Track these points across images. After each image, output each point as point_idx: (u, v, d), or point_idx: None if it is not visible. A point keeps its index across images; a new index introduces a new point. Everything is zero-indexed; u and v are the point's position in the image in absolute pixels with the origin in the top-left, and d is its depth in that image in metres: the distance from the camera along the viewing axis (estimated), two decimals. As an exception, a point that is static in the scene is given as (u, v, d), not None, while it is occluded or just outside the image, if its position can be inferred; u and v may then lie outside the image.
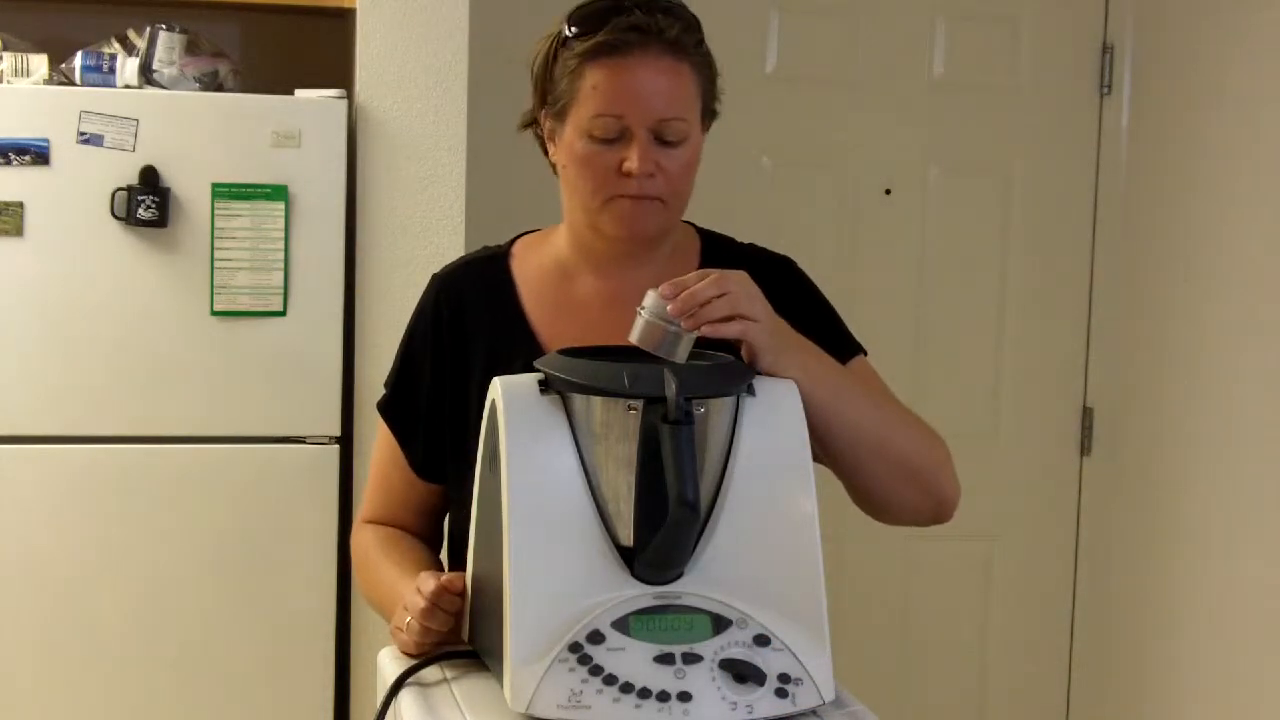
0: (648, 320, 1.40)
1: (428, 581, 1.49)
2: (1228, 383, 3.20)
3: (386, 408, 1.77)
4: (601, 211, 1.63)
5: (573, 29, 1.61)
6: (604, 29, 1.58)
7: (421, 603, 1.48)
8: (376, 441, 1.80)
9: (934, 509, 1.63)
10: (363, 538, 1.78)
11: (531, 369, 1.50)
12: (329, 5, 3.07)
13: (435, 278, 1.79)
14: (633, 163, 1.58)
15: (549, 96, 1.67)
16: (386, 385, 1.79)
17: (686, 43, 1.60)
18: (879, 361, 1.70)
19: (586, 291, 1.71)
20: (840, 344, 1.72)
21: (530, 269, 1.74)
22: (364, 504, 1.82)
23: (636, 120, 1.58)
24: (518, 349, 1.66)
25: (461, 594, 1.48)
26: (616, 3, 1.60)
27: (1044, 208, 3.56)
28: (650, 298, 1.41)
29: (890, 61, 3.48)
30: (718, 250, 1.78)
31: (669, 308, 1.40)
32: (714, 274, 1.46)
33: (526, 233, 1.82)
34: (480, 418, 1.51)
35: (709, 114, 1.68)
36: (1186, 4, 3.36)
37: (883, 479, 1.59)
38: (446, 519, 1.79)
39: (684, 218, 1.75)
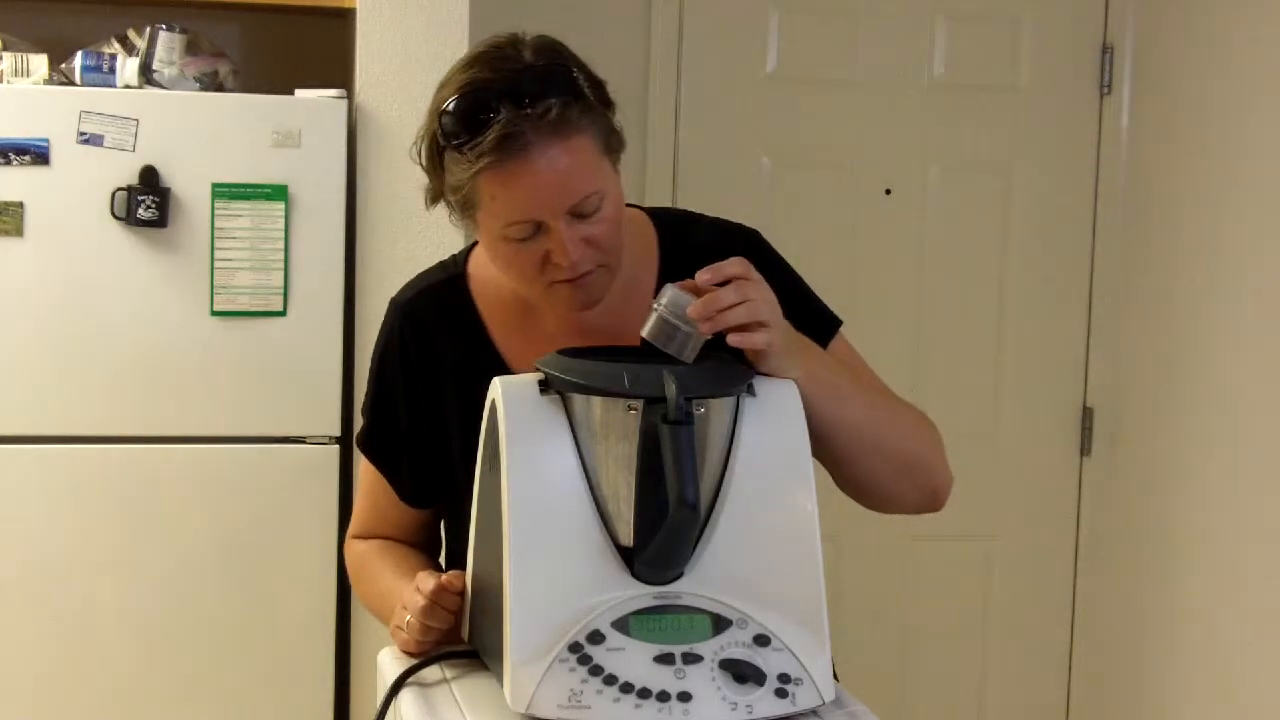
0: (663, 316, 1.39)
1: (427, 580, 1.49)
2: (1228, 382, 3.20)
3: (366, 442, 1.75)
4: (544, 296, 1.58)
5: (447, 138, 1.52)
6: (479, 140, 1.48)
7: (421, 601, 1.48)
8: (361, 467, 1.78)
9: (929, 500, 1.68)
10: (357, 548, 1.78)
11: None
12: (329, 5, 3.07)
13: (395, 304, 1.73)
14: (560, 256, 1.52)
15: (445, 191, 1.56)
16: (363, 415, 1.76)
17: (570, 115, 1.50)
18: (879, 360, 1.70)
19: (555, 324, 1.66)
20: (816, 320, 1.71)
21: (491, 293, 1.69)
22: (353, 521, 1.80)
23: (548, 215, 1.50)
24: (489, 377, 1.57)
25: (461, 592, 1.48)
26: (482, 101, 1.49)
27: (1044, 208, 3.56)
28: (669, 293, 1.40)
29: (890, 61, 3.48)
30: (678, 236, 1.73)
31: (689, 310, 1.39)
32: (735, 273, 1.44)
33: (476, 244, 1.72)
34: (462, 443, 1.52)
35: (616, 150, 1.58)
36: (1186, 4, 3.36)
37: (879, 474, 1.61)
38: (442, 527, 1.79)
39: (640, 204, 1.73)
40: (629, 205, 1.66)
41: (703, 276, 1.44)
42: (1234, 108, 3.20)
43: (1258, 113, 3.12)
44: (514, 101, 1.49)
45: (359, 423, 1.78)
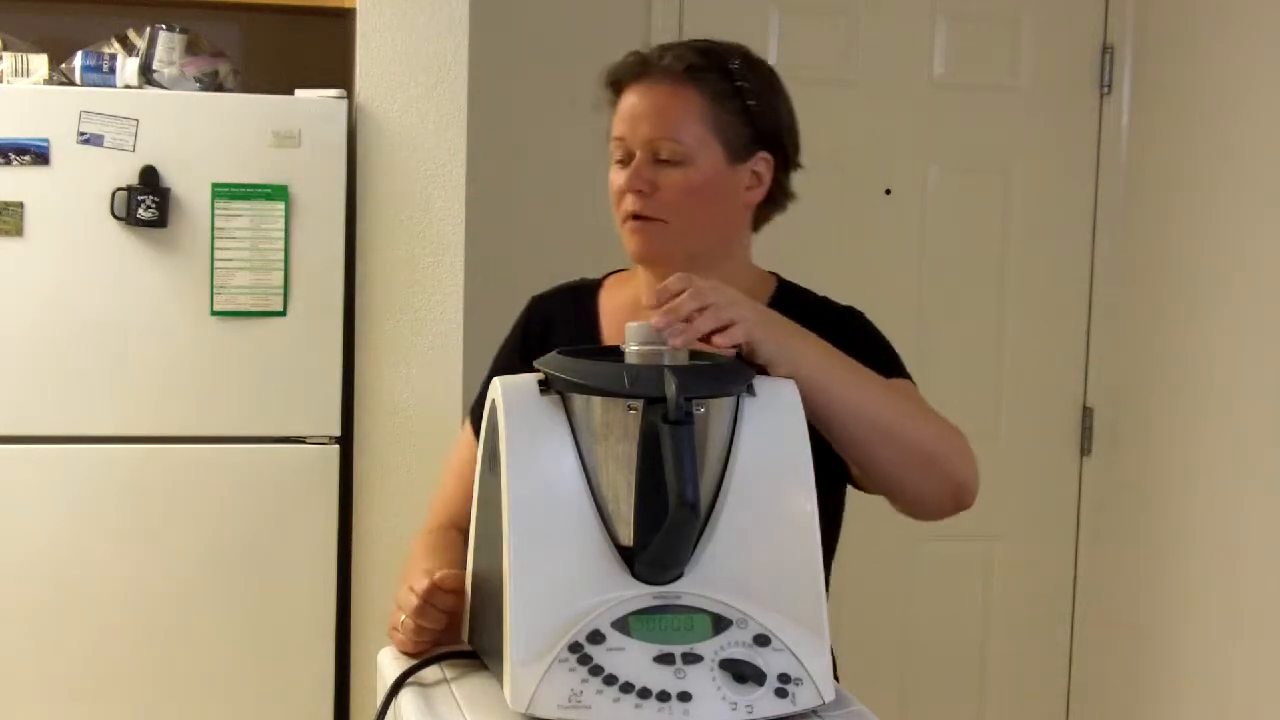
0: (636, 351, 1.40)
1: (421, 580, 1.50)
2: (1228, 382, 3.20)
3: (474, 414, 1.81)
4: (622, 233, 1.73)
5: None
6: (618, 65, 1.74)
7: (415, 600, 1.49)
8: (455, 446, 1.86)
9: (953, 494, 1.65)
10: (415, 543, 1.80)
11: None
12: (329, 5, 3.07)
13: (533, 299, 1.91)
14: (624, 180, 1.70)
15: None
16: (479, 395, 1.81)
17: (681, 69, 1.69)
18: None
19: (655, 320, 1.73)
20: (889, 364, 1.78)
21: (614, 302, 1.84)
22: (432, 510, 1.85)
23: (633, 142, 1.70)
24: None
25: (457, 592, 1.49)
26: (639, 49, 1.75)
27: (1044, 208, 3.56)
28: (629, 329, 1.41)
29: (890, 61, 3.48)
30: (789, 298, 1.83)
31: (654, 322, 1.41)
32: (679, 286, 1.47)
33: (623, 270, 1.91)
34: None
35: (745, 145, 1.73)
36: (1186, 4, 3.36)
37: (896, 465, 1.61)
38: None
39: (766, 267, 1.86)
40: (771, 273, 1.85)
41: (651, 304, 1.51)
42: (1234, 108, 3.20)
43: (1257, 112, 3.12)
44: (660, 48, 1.74)
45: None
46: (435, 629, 1.49)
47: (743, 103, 1.73)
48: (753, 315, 1.48)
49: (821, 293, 1.93)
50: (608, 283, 1.89)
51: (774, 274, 1.89)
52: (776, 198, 1.83)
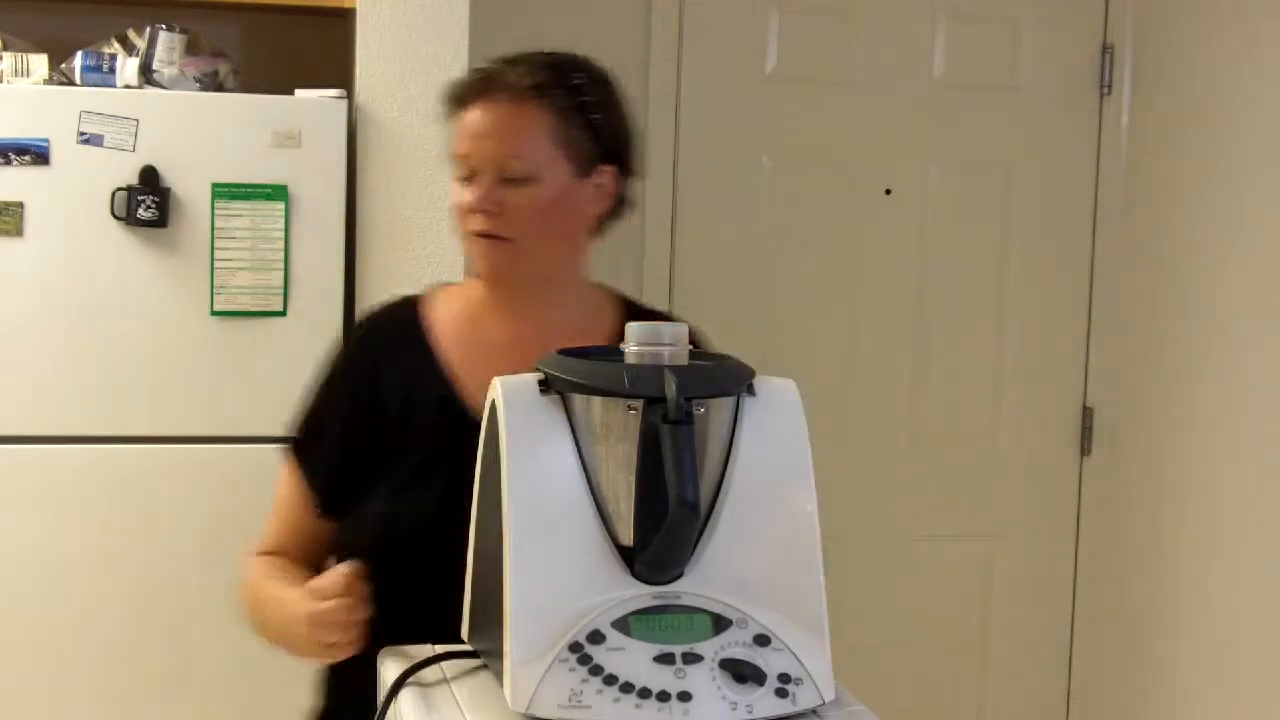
0: (636, 351, 1.40)
1: (334, 580, 1.57)
2: (1228, 382, 3.20)
3: (298, 448, 1.83)
4: (466, 250, 1.74)
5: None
6: (460, 83, 1.74)
7: (340, 603, 1.56)
8: (280, 479, 1.85)
9: None
10: (249, 564, 1.84)
11: (444, 408, 1.67)
12: (329, 5, 3.07)
13: (359, 321, 1.88)
14: (470, 198, 1.69)
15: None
16: (298, 427, 1.84)
17: (526, 85, 1.69)
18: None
19: (496, 332, 1.78)
20: None
21: (443, 314, 1.82)
22: (260, 539, 1.87)
23: (478, 160, 1.69)
24: (432, 388, 1.75)
25: (360, 584, 1.55)
26: (483, 64, 1.75)
27: (1044, 208, 3.56)
28: (630, 330, 1.41)
29: (890, 61, 3.48)
30: (632, 314, 1.82)
31: None
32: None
33: (448, 283, 1.91)
34: (395, 453, 1.69)
35: (591, 160, 1.74)
36: (1186, 4, 3.36)
37: None
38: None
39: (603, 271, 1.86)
40: (605, 286, 1.84)
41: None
42: (1234, 108, 3.20)
43: (1258, 112, 3.12)
44: (501, 63, 1.73)
45: None
46: (366, 617, 1.56)
47: (587, 117, 1.73)
48: None
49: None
50: (434, 297, 1.86)
51: (610, 289, 1.88)
52: (618, 208, 1.82)
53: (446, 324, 1.81)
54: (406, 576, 1.73)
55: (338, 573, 1.59)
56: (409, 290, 1.90)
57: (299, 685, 2.79)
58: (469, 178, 1.70)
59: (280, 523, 1.85)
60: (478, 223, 1.69)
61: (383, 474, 1.76)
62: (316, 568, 1.82)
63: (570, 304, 1.80)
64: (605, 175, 1.76)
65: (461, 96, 1.73)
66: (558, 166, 1.70)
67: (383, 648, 1.58)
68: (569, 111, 1.71)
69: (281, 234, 2.73)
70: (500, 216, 1.68)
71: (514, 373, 1.59)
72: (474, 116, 1.70)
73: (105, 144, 2.68)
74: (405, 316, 1.83)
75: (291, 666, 2.83)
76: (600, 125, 1.74)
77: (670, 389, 1.29)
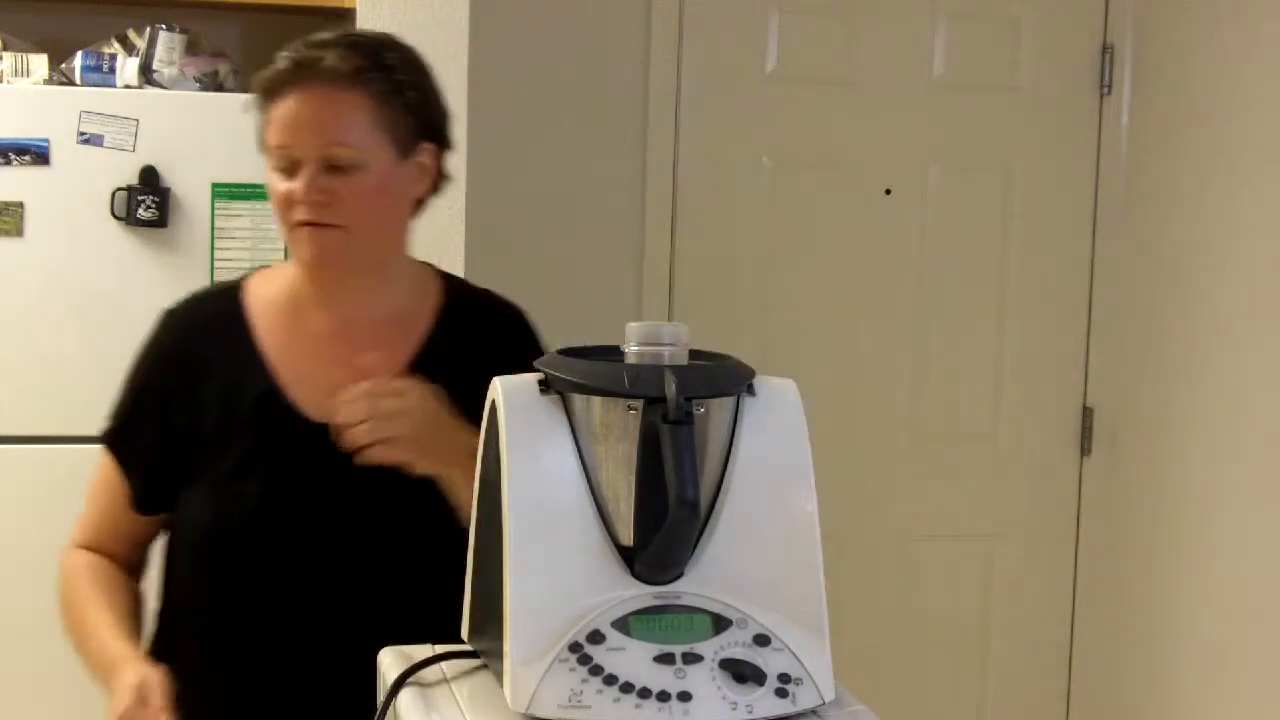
0: (636, 351, 1.40)
1: (131, 690, 1.60)
2: (1228, 382, 3.20)
3: (112, 440, 1.83)
4: (290, 240, 1.71)
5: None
6: (270, 70, 1.70)
7: (127, 705, 1.61)
8: (97, 469, 1.85)
9: None
10: (72, 562, 1.83)
11: (266, 403, 1.67)
12: (329, 5, 3.07)
13: (165, 313, 1.84)
14: (296, 189, 1.66)
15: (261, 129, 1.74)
16: (112, 418, 1.84)
17: (344, 71, 1.67)
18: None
19: (319, 323, 1.76)
20: None
21: (262, 302, 1.79)
22: (79, 527, 1.86)
23: (299, 150, 1.67)
24: (254, 381, 1.74)
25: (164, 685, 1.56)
26: (297, 41, 1.71)
27: (1044, 208, 3.56)
28: (630, 330, 1.41)
29: (890, 61, 3.48)
30: (459, 300, 1.85)
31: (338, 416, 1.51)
32: (365, 394, 1.55)
33: (262, 268, 1.87)
34: (216, 448, 1.68)
35: (412, 140, 1.73)
36: (1186, 4, 3.36)
37: None
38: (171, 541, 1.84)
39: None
40: (427, 264, 1.85)
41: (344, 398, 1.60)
42: (1234, 108, 3.20)
43: (1258, 112, 3.12)
44: (312, 45, 1.70)
45: None
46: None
47: (404, 98, 1.72)
48: (413, 433, 1.56)
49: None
50: (250, 283, 1.83)
51: (432, 267, 1.88)
52: (438, 185, 1.82)
53: (267, 313, 1.78)
54: (232, 574, 1.73)
55: (155, 689, 1.61)
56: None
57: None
58: (289, 168, 1.68)
59: (97, 516, 1.84)
60: (305, 212, 1.67)
61: (203, 469, 1.74)
62: (135, 568, 1.85)
63: (393, 289, 1.78)
64: (426, 154, 1.76)
65: (275, 86, 1.69)
66: (381, 151, 1.69)
67: (218, 651, 1.65)
68: (387, 94, 1.70)
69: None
70: (329, 205, 1.66)
71: (336, 365, 1.68)
72: (291, 106, 1.67)
73: (105, 144, 2.68)
74: (224, 305, 1.81)
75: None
76: (417, 104, 1.73)
77: (670, 389, 1.29)
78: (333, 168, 1.66)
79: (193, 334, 1.80)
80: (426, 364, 1.73)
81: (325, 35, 1.72)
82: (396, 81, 1.71)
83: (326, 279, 1.75)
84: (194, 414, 1.75)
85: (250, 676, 1.76)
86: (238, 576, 1.73)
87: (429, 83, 1.78)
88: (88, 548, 1.84)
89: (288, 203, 1.68)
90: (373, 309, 1.75)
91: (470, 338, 1.76)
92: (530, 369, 1.55)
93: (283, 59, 1.70)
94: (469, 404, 1.60)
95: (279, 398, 1.73)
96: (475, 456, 1.43)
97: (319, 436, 1.68)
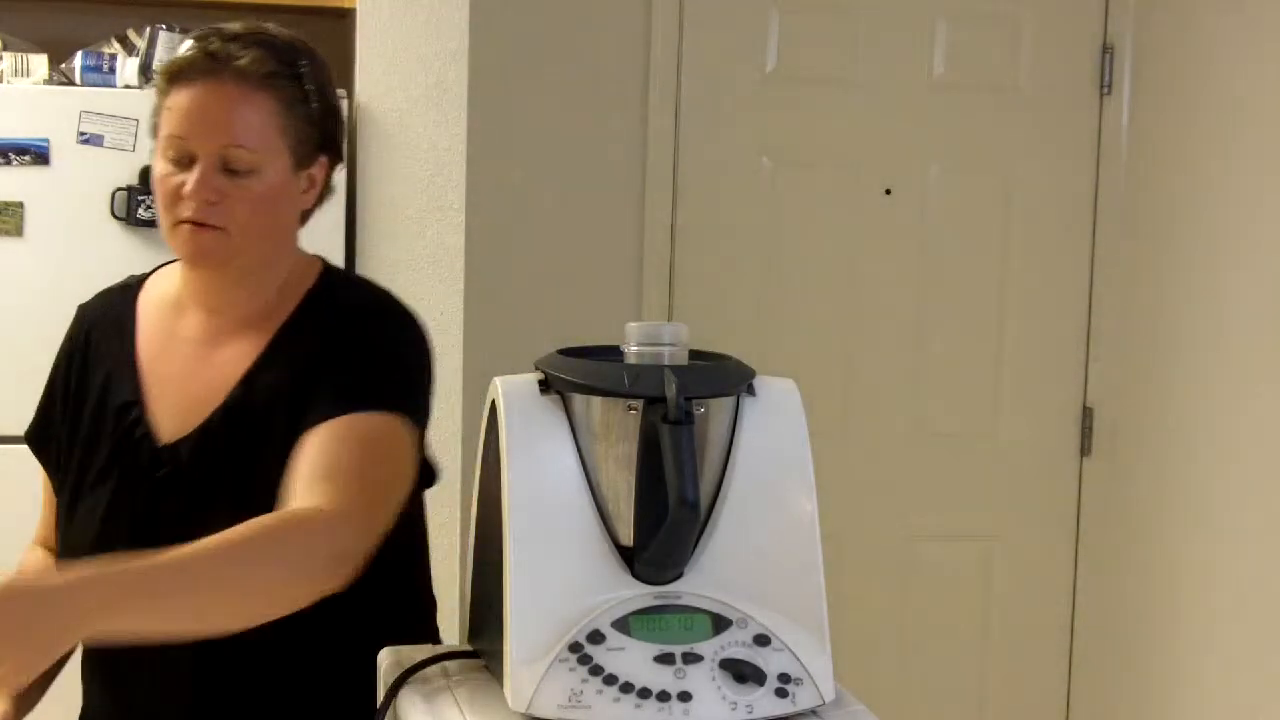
0: (636, 351, 1.40)
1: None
2: (1228, 382, 3.20)
3: (30, 439, 1.82)
4: (170, 236, 1.65)
5: (168, 55, 1.69)
6: (178, 56, 1.63)
7: None
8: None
9: (318, 587, 1.46)
10: (26, 560, 1.83)
11: (123, 415, 1.64)
12: (329, 5, 3.08)
13: (78, 308, 1.82)
14: (187, 186, 1.60)
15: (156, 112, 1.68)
16: (34, 416, 1.83)
17: (257, 72, 1.61)
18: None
19: (191, 325, 1.72)
20: (356, 392, 1.60)
21: (152, 301, 1.76)
22: (38, 526, 1.88)
23: (197, 145, 1.60)
24: (125, 382, 1.71)
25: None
26: (204, 35, 1.64)
27: (1044, 208, 3.56)
28: (630, 330, 1.40)
29: (890, 61, 3.48)
30: (328, 293, 1.73)
31: None
32: None
33: (169, 262, 1.81)
34: (85, 451, 1.66)
35: (310, 151, 1.67)
36: (1186, 4, 3.36)
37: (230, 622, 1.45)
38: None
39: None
40: (317, 259, 1.75)
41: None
42: (1234, 107, 3.20)
43: (1258, 112, 3.12)
44: (227, 39, 1.63)
45: None
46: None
47: (309, 108, 1.66)
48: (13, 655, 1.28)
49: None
50: (150, 279, 1.81)
51: (323, 263, 1.78)
52: (323, 196, 1.75)
53: (152, 313, 1.75)
54: None
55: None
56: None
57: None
58: (182, 161, 1.62)
59: (45, 512, 1.85)
60: (191, 210, 1.61)
61: (73, 471, 1.72)
62: None
63: (267, 289, 1.70)
64: (320, 167, 1.71)
65: (181, 73, 1.62)
66: (279, 160, 1.64)
67: (90, 666, 1.63)
68: (294, 102, 1.65)
69: (281, 234, 2.73)
70: (218, 206, 1.60)
71: (198, 373, 1.65)
72: (196, 97, 1.61)
73: (105, 144, 2.68)
74: (121, 302, 1.78)
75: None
76: (320, 115, 1.68)
77: (670, 389, 1.29)
78: (227, 169, 1.61)
79: (91, 330, 1.78)
80: (270, 359, 1.67)
81: (238, 29, 1.66)
82: (305, 90, 1.66)
83: (202, 277, 1.70)
84: (79, 408, 1.74)
85: (113, 691, 1.73)
86: None
87: (333, 94, 1.72)
88: (44, 545, 1.84)
89: (175, 197, 1.62)
90: (245, 305, 1.70)
91: (317, 329, 1.67)
92: (365, 366, 1.57)
93: (193, 47, 1.63)
94: (305, 398, 1.57)
95: (138, 412, 1.69)
96: (108, 592, 1.30)
97: (167, 461, 1.65)
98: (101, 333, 1.77)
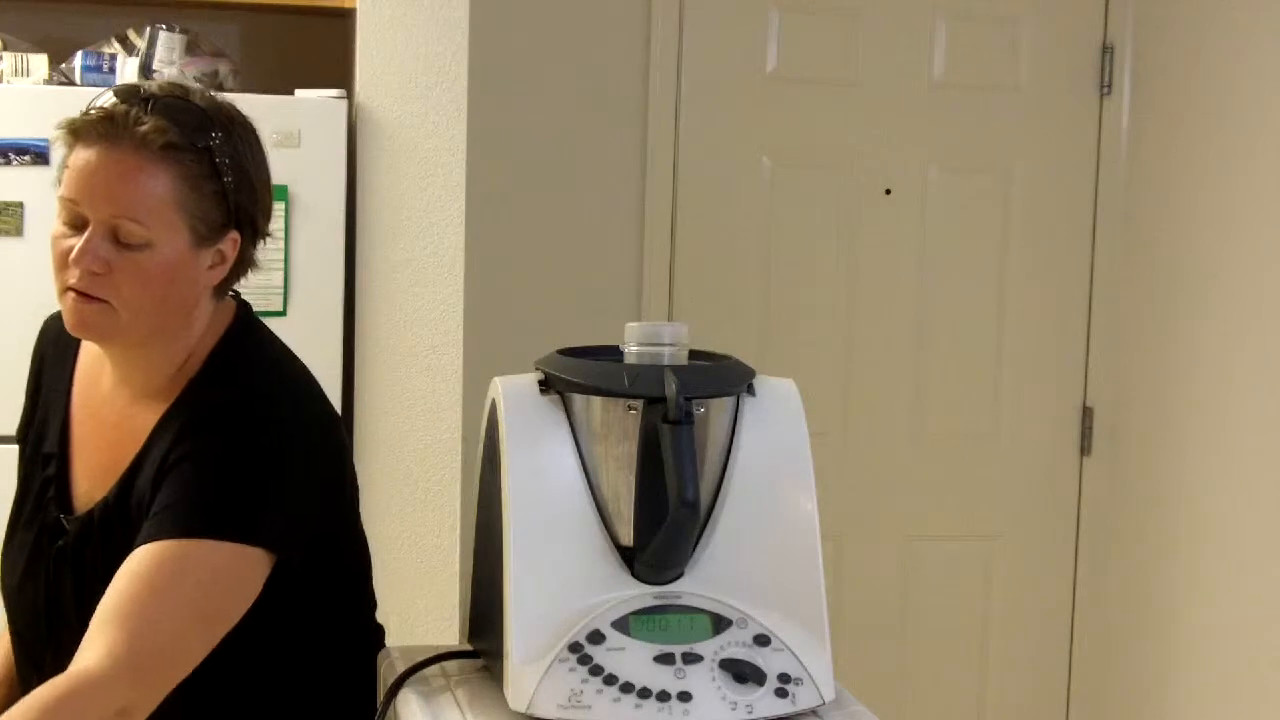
0: (636, 351, 1.40)
1: None
2: (1228, 382, 3.20)
3: (19, 440, 1.77)
4: (60, 301, 1.57)
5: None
6: (84, 114, 1.55)
7: None
8: None
9: None
10: None
11: (48, 466, 1.62)
12: (329, 5, 3.08)
13: (44, 322, 1.79)
14: (74, 253, 1.51)
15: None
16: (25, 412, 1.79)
17: (157, 143, 1.52)
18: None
19: (107, 383, 1.67)
20: (191, 516, 1.50)
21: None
22: None
23: (90, 210, 1.52)
24: (53, 428, 1.67)
25: None
26: (129, 87, 1.59)
27: (1044, 208, 3.56)
28: (630, 330, 1.41)
29: (890, 61, 3.48)
30: (203, 381, 1.63)
31: None
32: None
33: None
34: (24, 480, 1.64)
35: (216, 228, 1.57)
36: (1186, 4, 3.36)
37: None
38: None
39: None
40: (235, 316, 1.67)
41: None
42: (1234, 108, 3.20)
43: (1258, 112, 3.12)
44: (133, 103, 1.55)
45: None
46: None
47: (220, 183, 1.56)
48: None
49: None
50: None
51: (228, 330, 1.67)
52: (239, 270, 1.65)
53: (87, 355, 1.71)
54: (10, 627, 1.67)
55: None
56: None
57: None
58: (74, 224, 1.53)
59: None
60: (75, 279, 1.52)
61: (18, 500, 1.69)
62: None
63: (168, 360, 1.62)
64: (229, 243, 1.60)
65: (81, 134, 1.54)
66: (176, 236, 1.54)
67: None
68: (199, 179, 1.55)
69: (281, 234, 2.73)
70: (104, 278, 1.52)
71: (107, 437, 1.62)
72: (92, 160, 1.52)
73: (105, 144, 2.68)
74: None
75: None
76: (230, 190, 1.58)
77: (670, 389, 1.29)
78: (118, 240, 1.52)
79: (47, 351, 1.75)
80: (148, 450, 1.59)
81: (154, 89, 1.59)
82: (215, 164, 1.56)
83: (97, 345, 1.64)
84: (27, 432, 1.71)
85: None
86: (13, 633, 1.68)
87: (254, 166, 1.63)
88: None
89: (64, 261, 1.53)
90: (142, 378, 1.62)
91: (179, 427, 1.57)
92: (195, 485, 1.49)
93: (97, 109, 1.56)
94: (155, 498, 1.52)
95: (55, 468, 1.65)
96: None
97: (65, 533, 1.61)
98: (52, 358, 1.74)
